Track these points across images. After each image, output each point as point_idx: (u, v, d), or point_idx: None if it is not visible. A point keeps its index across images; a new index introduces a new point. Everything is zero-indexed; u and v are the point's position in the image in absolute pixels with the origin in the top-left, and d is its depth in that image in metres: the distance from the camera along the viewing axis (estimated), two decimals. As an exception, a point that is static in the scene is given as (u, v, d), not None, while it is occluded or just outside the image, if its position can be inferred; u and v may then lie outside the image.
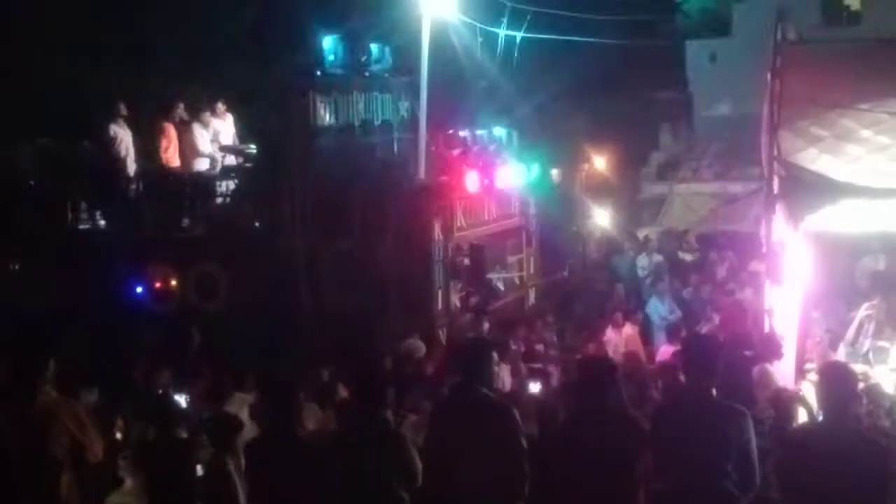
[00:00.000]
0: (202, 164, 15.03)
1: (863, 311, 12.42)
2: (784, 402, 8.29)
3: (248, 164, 15.00)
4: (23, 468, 6.03)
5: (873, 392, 8.83)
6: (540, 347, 13.53)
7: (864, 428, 6.71)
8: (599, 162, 22.32)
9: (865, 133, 11.09)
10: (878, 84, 11.69)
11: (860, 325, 12.32)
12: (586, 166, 22.32)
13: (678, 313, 14.85)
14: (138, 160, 14.92)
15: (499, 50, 17.54)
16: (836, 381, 5.77)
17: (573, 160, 21.81)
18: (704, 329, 13.01)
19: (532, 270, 17.55)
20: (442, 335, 13.67)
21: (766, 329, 10.72)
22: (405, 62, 15.72)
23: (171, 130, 14.77)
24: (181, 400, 8.07)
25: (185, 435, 7.20)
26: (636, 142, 23.05)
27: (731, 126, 19.45)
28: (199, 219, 14.80)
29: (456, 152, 15.81)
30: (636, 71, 21.50)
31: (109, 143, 14.64)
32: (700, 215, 19.40)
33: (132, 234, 14.33)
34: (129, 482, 7.05)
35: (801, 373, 10.64)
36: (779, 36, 12.08)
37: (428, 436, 6.20)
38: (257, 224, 14.43)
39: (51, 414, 6.11)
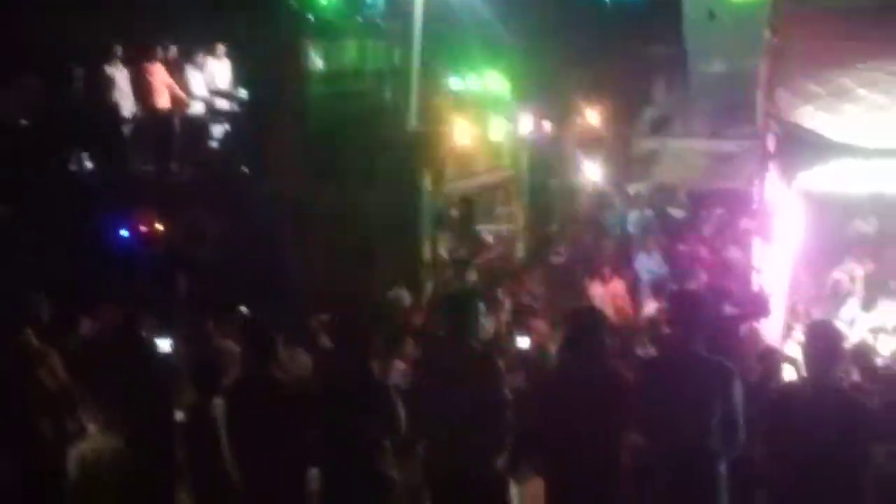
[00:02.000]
0: (195, 107, 14.85)
1: (836, 274, 12.47)
2: (770, 360, 8.28)
3: (239, 109, 14.85)
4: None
5: (862, 350, 8.80)
6: (527, 299, 13.49)
7: (847, 387, 6.69)
8: (592, 116, 22.15)
9: (862, 92, 11.02)
10: (876, 43, 11.59)
11: (833, 287, 12.37)
12: (578, 120, 22.16)
13: (665, 269, 14.80)
14: (133, 102, 14.74)
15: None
16: (821, 339, 5.73)
17: (565, 114, 21.65)
18: (690, 285, 12.97)
19: (521, 223, 17.49)
20: (429, 286, 13.63)
21: (755, 287, 10.71)
22: (399, 8, 15.51)
23: (156, 72, 14.57)
24: (164, 344, 7.99)
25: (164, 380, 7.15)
26: (629, 96, 22.85)
27: (726, 83, 19.28)
28: (189, 163, 14.67)
29: (448, 101, 15.70)
30: (631, 25, 21.27)
31: (106, 85, 14.43)
32: (692, 171, 19.29)
33: (118, 177, 14.18)
34: (91, 428, 6.98)
35: (788, 331, 10.65)
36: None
37: (413, 386, 6.16)
38: (246, 170, 14.30)
39: (31, 360, 6.08)
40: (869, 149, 10.16)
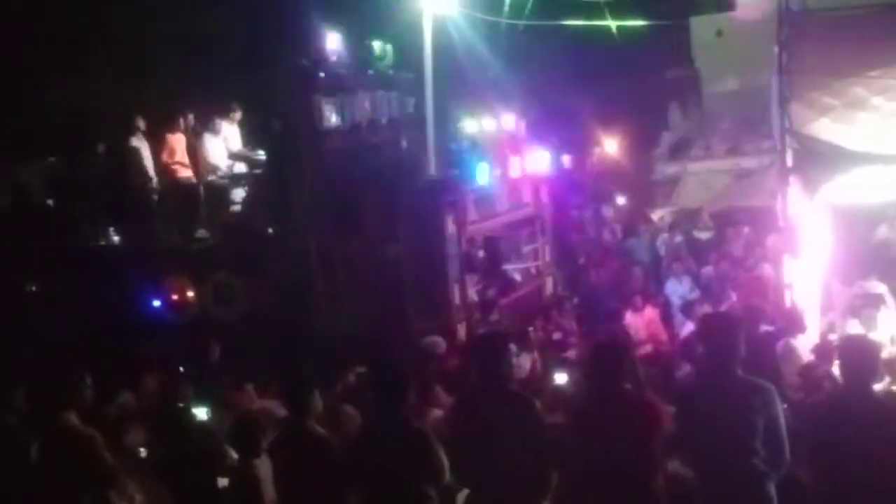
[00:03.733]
0: (216, 173, 15.01)
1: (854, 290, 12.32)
2: (812, 376, 8.22)
3: (257, 171, 14.98)
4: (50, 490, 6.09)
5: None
6: (558, 336, 13.45)
7: (883, 397, 6.64)
8: (610, 145, 22.22)
9: (876, 100, 11.01)
10: (886, 50, 11.58)
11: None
12: (597, 150, 22.24)
13: (697, 293, 14.74)
14: (155, 173, 14.92)
15: (502, 40, 17.48)
16: (855, 354, 5.73)
17: (584, 145, 21.73)
18: (724, 307, 12.90)
19: (548, 259, 17.48)
20: (461, 330, 13.60)
21: (788, 303, 10.63)
22: (408, 58, 15.64)
23: (175, 141, 14.75)
24: (201, 412, 8.04)
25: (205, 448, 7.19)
26: (646, 122, 22.94)
27: (740, 101, 19.29)
28: (214, 228, 14.79)
29: (465, 145, 15.77)
30: (642, 51, 21.36)
31: (129, 157, 14.60)
32: (714, 192, 19.26)
33: (147, 248, 14.32)
34: (139, 499, 7.03)
35: (826, 345, 10.54)
36: (784, 6, 12.00)
37: (451, 432, 6.15)
38: (270, 230, 14.40)
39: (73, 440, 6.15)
40: (887, 155, 10.13)
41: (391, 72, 15.86)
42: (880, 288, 11.87)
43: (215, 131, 14.96)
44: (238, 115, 15.19)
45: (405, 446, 5.98)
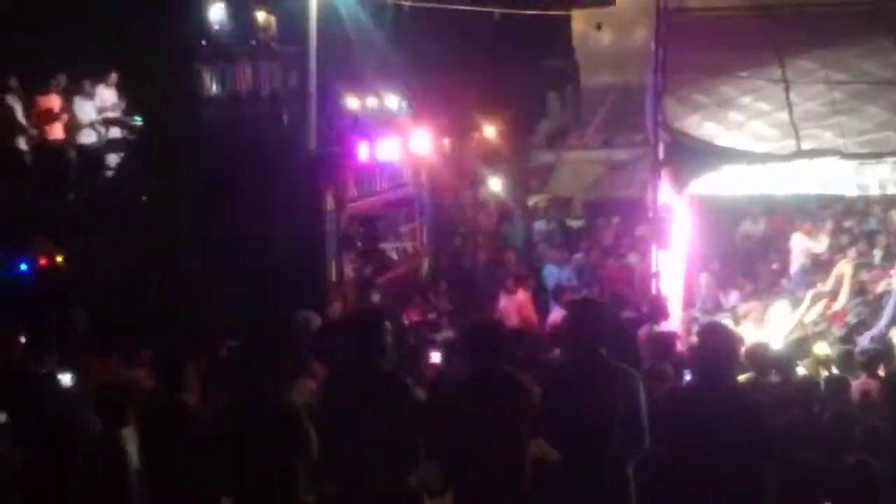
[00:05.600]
0: (87, 137, 14.63)
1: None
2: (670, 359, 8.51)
3: (132, 137, 14.67)
4: None
5: (758, 352, 9.09)
6: (433, 316, 13.60)
7: (742, 387, 6.94)
8: (490, 130, 22.44)
9: (746, 100, 11.47)
10: (757, 51, 12.08)
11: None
12: (477, 135, 22.43)
13: (573, 279, 15.08)
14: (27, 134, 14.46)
15: (388, 19, 17.48)
16: (712, 342, 5.95)
17: (464, 129, 21.88)
18: (591, 293, 13.25)
19: (425, 240, 17.62)
20: (336, 306, 13.62)
21: (653, 291, 11.00)
22: (293, 30, 15.50)
23: (47, 102, 14.33)
24: (66, 379, 7.88)
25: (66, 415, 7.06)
26: (526, 110, 23.25)
27: (616, 93, 19.73)
28: (85, 192, 14.43)
29: (347, 122, 15.75)
30: (524, 39, 21.63)
31: (5, 115, 14.09)
32: (587, 182, 19.66)
33: (15, 210, 13.88)
34: None
35: (688, 333, 10.98)
36: (661, 4, 12.36)
37: (322, 405, 6.19)
38: (145, 198, 14.13)
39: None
40: (754, 153, 10.57)
41: (274, 44, 15.70)
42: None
43: (89, 94, 14.58)
44: (114, 78, 14.84)
45: (273, 420, 5.99)
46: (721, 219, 13.82)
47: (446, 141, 19.38)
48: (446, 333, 11.52)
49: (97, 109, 14.69)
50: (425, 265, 17.40)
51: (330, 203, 13.98)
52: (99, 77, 14.71)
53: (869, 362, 9.20)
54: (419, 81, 20.10)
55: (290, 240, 13.47)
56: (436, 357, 9.17)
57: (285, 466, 6.03)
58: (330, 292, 13.73)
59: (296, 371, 7.38)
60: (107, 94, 14.83)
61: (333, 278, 13.94)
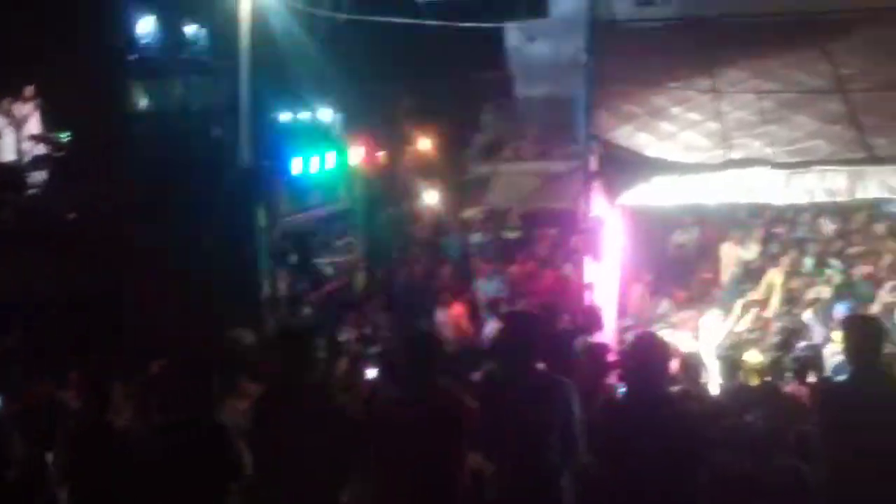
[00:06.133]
0: (7, 155, 14.28)
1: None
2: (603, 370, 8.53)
3: (59, 154, 14.37)
4: None
5: (690, 361, 9.17)
6: (368, 331, 13.53)
7: (673, 396, 6.96)
8: (425, 143, 22.46)
9: (676, 110, 11.58)
10: (687, 62, 12.23)
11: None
12: (412, 148, 22.44)
13: (505, 291, 15.10)
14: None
15: (322, 31, 17.41)
16: (643, 352, 5.95)
17: (399, 142, 21.87)
18: (525, 305, 13.27)
19: (361, 254, 17.55)
20: (271, 323, 13.49)
21: (587, 302, 11.03)
22: (225, 44, 15.36)
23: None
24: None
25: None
26: (460, 122, 23.30)
27: (549, 105, 19.83)
28: (10, 211, 14.09)
29: (279, 136, 15.64)
30: (458, 52, 21.68)
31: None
32: (523, 194, 19.74)
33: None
34: None
35: (621, 343, 11.02)
36: (592, 17, 12.47)
37: (253, 426, 6.09)
38: (73, 215, 13.86)
39: None
40: (685, 164, 10.66)
41: (206, 58, 15.55)
42: None
43: (3, 111, 14.22)
44: (31, 94, 14.49)
45: (203, 440, 5.89)
46: (654, 229, 13.91)
47: (381, 154, 19.36)
48: (381, 347, 11.46)
49: (16, 126, 14.33)
50: (361, 279, 17.32)
51: (262, 218, 13.84)
52: (16, 93, 14.35)
53: (800, 369, 9.35)
54: (353, 95, 20.04)
55: (223, 256, 13.31)
56: (371, 372, 9.10)
57: (216, 486, 5.92)
58: (264, 308, 13.60)
59: (226, 390, 7.28)
60: (26, 112, 14.50)
61: (267, 294, 13.80)
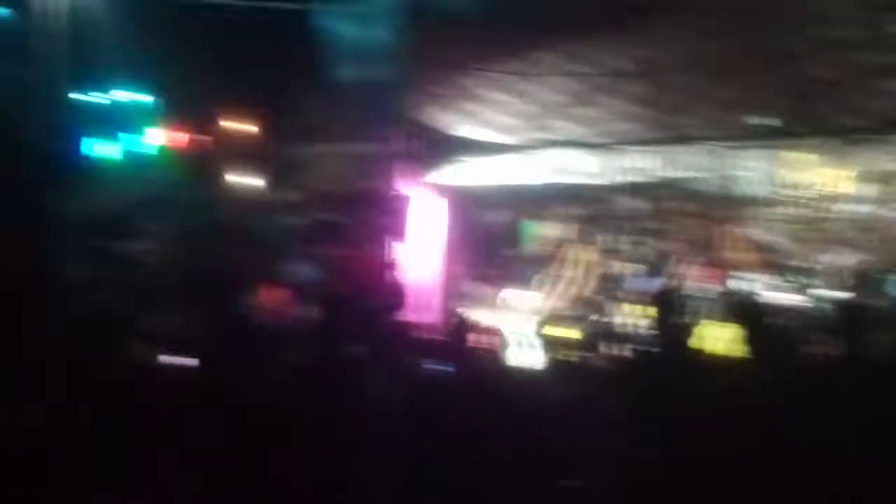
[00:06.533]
0: None
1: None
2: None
3: None
4: None
5: (499, 337, 9.32)
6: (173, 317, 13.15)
7: (488, 372, 7.09)
8: (240, 126, 22.03)
9: (487, 93, 11.77)
10: (500, 44, 12.42)
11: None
12: (226, 130, 21.97)
13: (318, 274, 14.99)
14: None
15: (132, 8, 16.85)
16: (455, 329, 6.07)
17: (212, 125, 21.37)
18: (335, 287, 13.23)
19: (171, 238, 17.06)
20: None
21: (393, 282, 11.10)
22: (29, 21, 14.64)
23: None
24: None
25: None
26: (275, 105, 22.96)
27: (363, 88, 19.81)
28: None
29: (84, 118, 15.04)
30: (272, 33, 21.36)
31: None
32: (337, 176, 19.64)
33: None
34: None
35: (433, 321, 11.14)
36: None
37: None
38: None
39: None
40: (494, 144, 10.84)
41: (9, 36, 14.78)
42: None
43: None
44: None
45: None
46: (466, 209, 14.09)
47: (194, 137, 18.86)
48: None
49: None
50: (170, 263, 16.84)
51: (61, 203, 13.26)
52: None
53: (608, 343, 9.63)
54: (166, 76, 19.45)
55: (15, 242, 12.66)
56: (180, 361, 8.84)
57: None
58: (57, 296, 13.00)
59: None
60: None
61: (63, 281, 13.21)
